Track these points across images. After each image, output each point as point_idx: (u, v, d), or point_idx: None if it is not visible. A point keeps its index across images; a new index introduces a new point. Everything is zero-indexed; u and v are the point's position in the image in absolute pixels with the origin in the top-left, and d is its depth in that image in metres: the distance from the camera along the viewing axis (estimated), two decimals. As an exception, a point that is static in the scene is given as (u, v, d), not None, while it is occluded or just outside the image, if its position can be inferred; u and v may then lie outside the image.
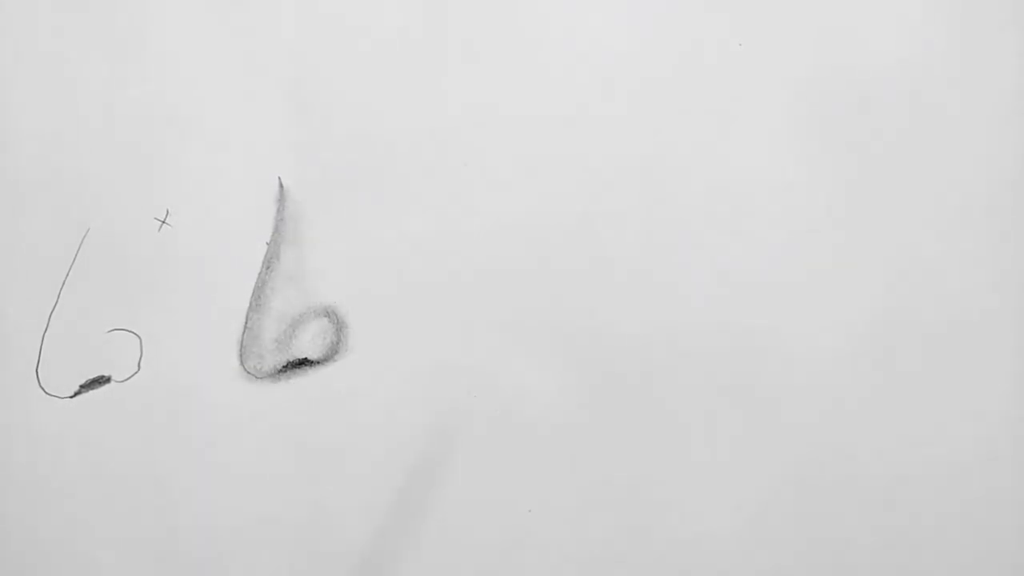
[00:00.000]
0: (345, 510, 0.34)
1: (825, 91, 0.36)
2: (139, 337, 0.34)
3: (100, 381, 0.34)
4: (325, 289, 0.35)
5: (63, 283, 0.35)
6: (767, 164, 0.35)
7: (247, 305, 0.35)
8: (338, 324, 0.34)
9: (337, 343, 0.34)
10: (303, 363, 0.34)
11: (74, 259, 0.35)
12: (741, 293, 0.35)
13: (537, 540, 0.34)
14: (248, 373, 0.34)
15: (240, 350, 0.34)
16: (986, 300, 0.35)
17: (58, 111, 0.35)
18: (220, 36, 0.36)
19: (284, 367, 0.34)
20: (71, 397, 0.34)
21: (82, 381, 0.34)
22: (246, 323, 0.34)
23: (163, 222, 0.35)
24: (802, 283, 0.35)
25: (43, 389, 0.34)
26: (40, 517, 0.34)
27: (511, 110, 0.35)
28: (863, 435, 0.35)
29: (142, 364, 0.34)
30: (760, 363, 0.35)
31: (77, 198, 0.35)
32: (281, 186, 0.35)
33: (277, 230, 0.35)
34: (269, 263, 0.35)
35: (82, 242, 0.35)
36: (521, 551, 0.34)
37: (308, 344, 0.34)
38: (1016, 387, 0.35)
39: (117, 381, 0.34)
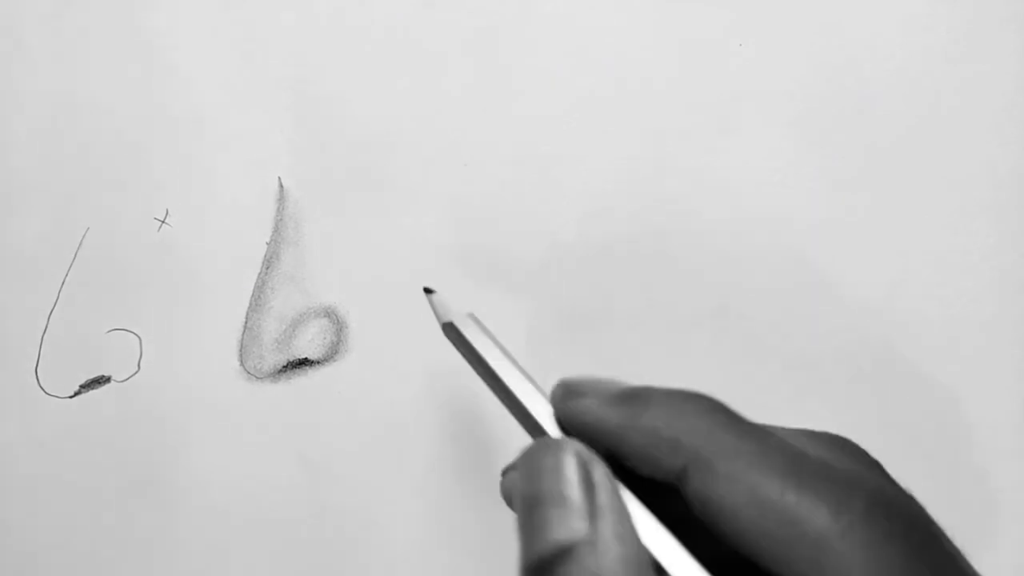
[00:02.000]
0: (345, 510, 0.34)
1: (826, 91, 0.36)
2: (139, 337, 0.34)
3: (100, 381, 0.34)
4: (325, 289, 0.35)
5: (63, 283, 0.35)
6: (767, 164, 0.35)
7: (247, 305, 0.35)
8: (338, 324, 0.34)
9: (337, 343, 0.34)
10: (303, 363, 0.34)
11: (74, 259, 0.35)
12: (742, 294, 0.35)
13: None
14: (248, 373, 0.34)
15: (240, 350, 0.34)
16: (991, 301, 0.35)
17: (58, 111, 0.35)
18: (220, 36, 0.36)
19: (284, 367, 0.34)
20: (71, 397, 0.34)
21: (82, 381, 0.34)
22: (246, 323, 0.34)
23: (163, 222, 0.35)
24: (803, 284, 0.35)
25: (43, 389, 0.34)
26: (40, 517, 0.34)
27: (511, 110, 0.35)
28: (867, 438, 0.35)
29: (142, 364, 0.34)
30: (762, 364, 0.35)
31: (77, 198, 0.35)
32: (281, 186, 0.35)
33: (277, 230, 0.35)
34: (269, 263, 0.35)
35: (82, 242, 0.35)
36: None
37: (308, 344, 0.34)
38: (1021, 388, 0.35)
39: (117, 381, 0.34)
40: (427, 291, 0.29)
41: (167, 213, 0.35)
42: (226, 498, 0.34)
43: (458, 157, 0.35)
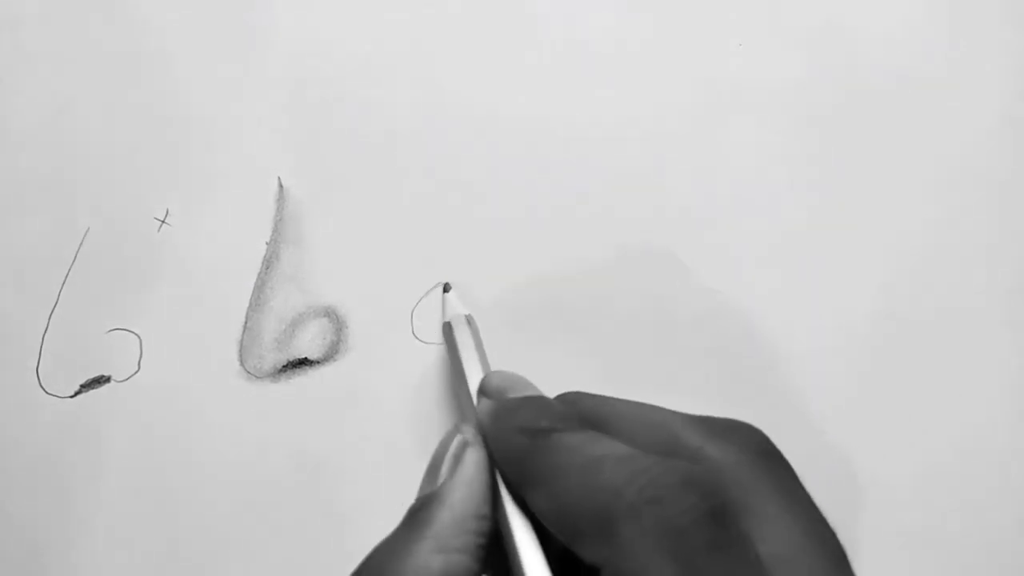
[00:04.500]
0: (345, 510, 0.34)
1: (826, 91, 0.36)
2: (139, 337, 0.35)
3: (100, 381, 0.34)
4: (325, 289, 0.35)
5: (63, 283, 0.35)
6: (766, 164, 0.35)
7: (247, 305, 0.35)
8: (338, 324, 0.34)
9: (337, 343, 0.34)
10: (303, 363, 0.34)
11: (74, 259, 0.35)
12: (738, 292, 0.35)
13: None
14: (248, 373, 0.34)
15: (240, 350, 0.34)
16: (986, 300, 0.35)
17: (58, 111, 0.35)
18: (220, 36, 0.36)
19: (284, 367, 0.34)
20: (71, 397, 0.34)
21: (82, 381, 0.34)
22: (246, 323, 0.34)
23: (163, 222, 0.35)
24: (800, 282, 0.35)
25: (43, 389, 0.34)
26: (40, 517, 0.34)
27: (510, 110, 0.36)
28: (860, 435, 0.35)
29: (142, 364, 0.34)
30: (757, 363, 0.35)
31: (77, 198, 0.35)
32: (281, 186, 0.35)
33: (277, 230, 0.35)
34: (269, 263, 0.35)
35: (82, 242, 0.35)
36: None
37: (308, 344, 0.34)
38: (1015, 386, 0.35)
39: (117, 381, 0.34)
40: (445, 288, 0.32)
41: (167, 213, 0.35)
42: (226, 498, 0.34)
43: (458, 157, 0.35)
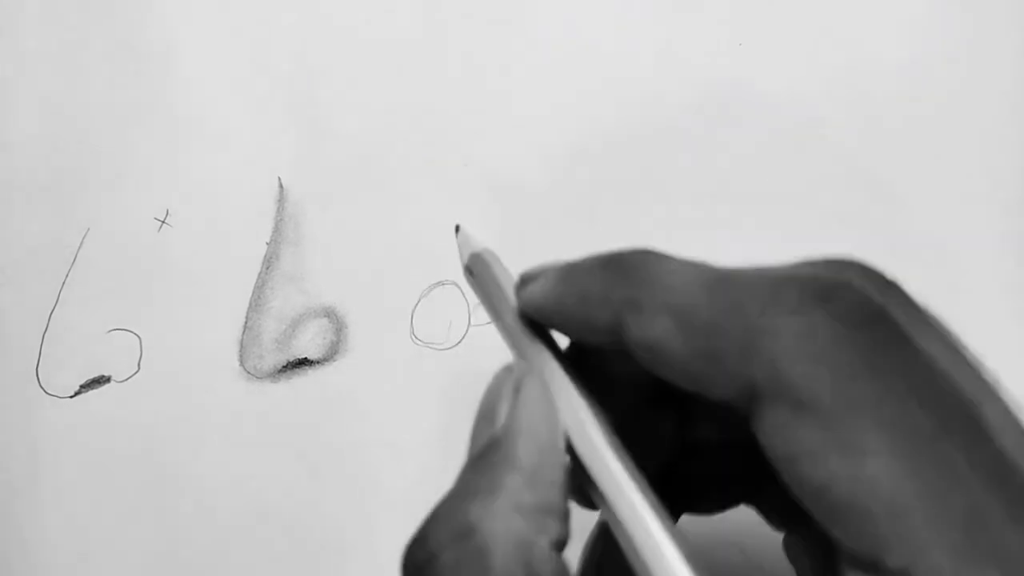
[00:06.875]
0: (345, 510, 0.34)
1: (826, 91, 0.36)
2: (139, 337, 0.35)
3: (100, 381, 0.34)
4: (325, 289, 0.35)
5: (63, 283, 0.35)
6: (766, 165, 0.35)
7: (247, 305, 0.35)
8: (338, 324, 0.34)
9: (337, 343, 0.34)
10: (303, 363, 0.34)
11: (74, 259, 0.35)
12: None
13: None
14: (248, 373, 0.34)
15: (240, 350, 0.34)
16: (991, 301, 0.35)
17: (58, 111, 0.35)
18: (220, 35, 0.36)
19: (284, 367, 0.34)
20: (71, 397, 0.34)
21: (82, 381, 0.34)
22: (246, 323, 0.34)
23: (163, 222, 0.35)
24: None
25: (43, 389, 0.34)
26: (40, 517, 0.34)
27: (511, 110, 0.36)
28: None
29: (142, 364, 0.34)
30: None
31: (77, 198, 0.35)
32: (281, 186, 0.35)
33: (277, 230, 0.35)
34: (269, 263, 0.35)
35: (82, 242, 0.35)
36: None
37: (308, 344, 0.34)
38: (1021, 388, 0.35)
39: (117, 381, 0.34)
40: (456, 229, 0.28)
41: (167, 213, 0.35)
42: (226, 498, 0.34)
43: (458, 157, 0.35)
